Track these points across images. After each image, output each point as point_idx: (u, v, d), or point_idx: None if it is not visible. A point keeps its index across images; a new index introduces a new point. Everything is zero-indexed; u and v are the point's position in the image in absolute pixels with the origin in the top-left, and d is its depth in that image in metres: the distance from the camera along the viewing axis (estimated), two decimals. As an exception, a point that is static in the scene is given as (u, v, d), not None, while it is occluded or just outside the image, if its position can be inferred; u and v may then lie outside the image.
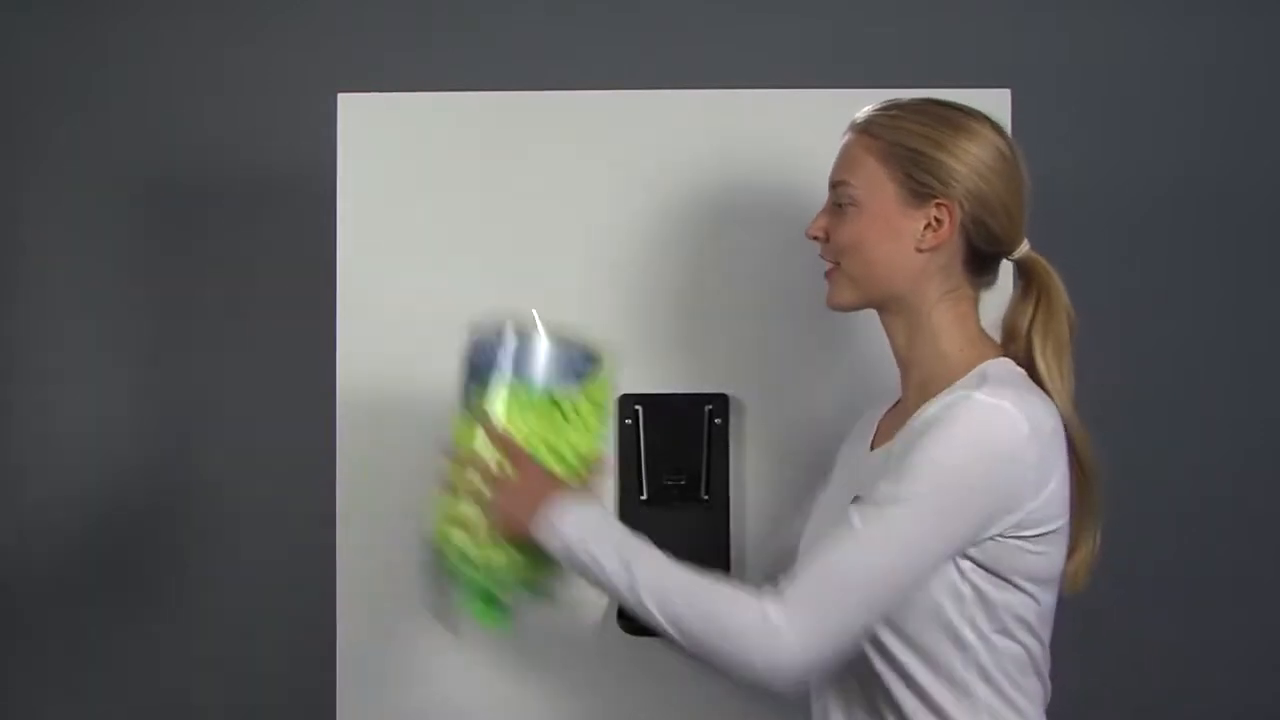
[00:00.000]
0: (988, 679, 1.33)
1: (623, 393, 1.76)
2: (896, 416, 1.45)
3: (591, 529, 1.36)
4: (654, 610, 1.30)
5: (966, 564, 1.31)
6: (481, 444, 1.41)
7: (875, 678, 1.36)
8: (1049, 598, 1.37)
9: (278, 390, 2.35)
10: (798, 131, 1.76)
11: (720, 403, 1.77)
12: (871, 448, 1.47)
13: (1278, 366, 2.36)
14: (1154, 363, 2.33)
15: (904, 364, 1.45)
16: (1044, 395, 1.35)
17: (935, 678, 1.33)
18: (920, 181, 1.38)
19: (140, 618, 2.38)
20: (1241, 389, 2.36)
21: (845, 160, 1.43)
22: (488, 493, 1.40)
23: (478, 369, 1.45)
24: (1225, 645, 2.33)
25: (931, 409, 1.32)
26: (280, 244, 2.34)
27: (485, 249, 1.81)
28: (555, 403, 1.43)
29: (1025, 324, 1.42)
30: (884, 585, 1.28)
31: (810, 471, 1.58)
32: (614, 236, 1.80)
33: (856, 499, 1.34)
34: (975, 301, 1.43)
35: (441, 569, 1.45)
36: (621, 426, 1.77)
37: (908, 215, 1.39)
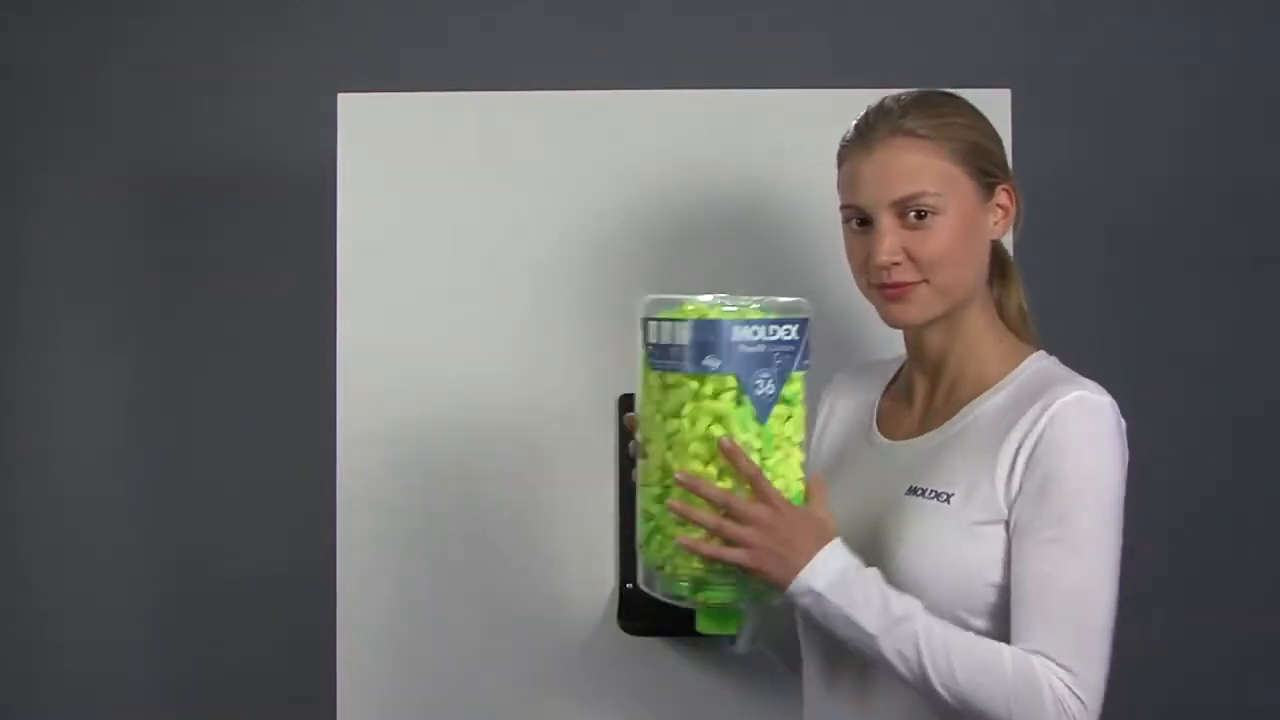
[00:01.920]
0: None
1: (623, 392, 1.76)
2: (909, 404, 1.44)
3: (849, 596, 1.24)
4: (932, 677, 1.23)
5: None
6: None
7: None
8: None
9: (278, 389, 2.35)
10: (797, 131, 1.76)
11: (720, 402, 1.77)
12: (884, 434, 1.44)
13: (1278, 367, 2.36)
14: (1153, 362, 2.33)
15: (932, 365, 1.42)
16: None
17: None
18: (987, 171, 1.36)
19: (138, 617, 2.38)
20: (1241, 389, 2.35)
21: (902, 171, 1.33)
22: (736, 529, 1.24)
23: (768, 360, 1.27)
24: (1222, 647, 2.33)
25: (1033, 409, 1.29)
26: (280, 243, 2.34)
27: (485, 248, 1.81)
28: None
29: (1021, 301, 1.44)
30: (1113, 606, 1.28)
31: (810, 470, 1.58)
32: (614, 236, 1.80)
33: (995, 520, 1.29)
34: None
35: (664, 589, 1.30)
36: (622, 425, 1.77)
37: (982, 208, 1.37)
